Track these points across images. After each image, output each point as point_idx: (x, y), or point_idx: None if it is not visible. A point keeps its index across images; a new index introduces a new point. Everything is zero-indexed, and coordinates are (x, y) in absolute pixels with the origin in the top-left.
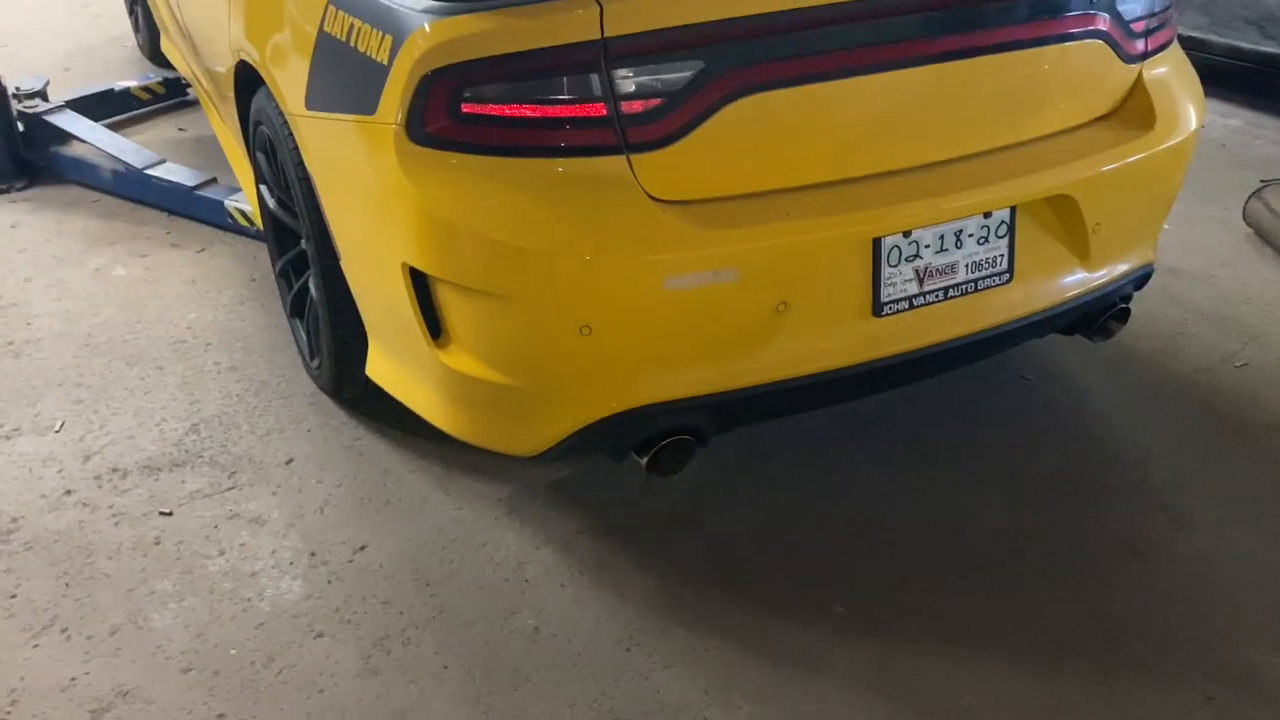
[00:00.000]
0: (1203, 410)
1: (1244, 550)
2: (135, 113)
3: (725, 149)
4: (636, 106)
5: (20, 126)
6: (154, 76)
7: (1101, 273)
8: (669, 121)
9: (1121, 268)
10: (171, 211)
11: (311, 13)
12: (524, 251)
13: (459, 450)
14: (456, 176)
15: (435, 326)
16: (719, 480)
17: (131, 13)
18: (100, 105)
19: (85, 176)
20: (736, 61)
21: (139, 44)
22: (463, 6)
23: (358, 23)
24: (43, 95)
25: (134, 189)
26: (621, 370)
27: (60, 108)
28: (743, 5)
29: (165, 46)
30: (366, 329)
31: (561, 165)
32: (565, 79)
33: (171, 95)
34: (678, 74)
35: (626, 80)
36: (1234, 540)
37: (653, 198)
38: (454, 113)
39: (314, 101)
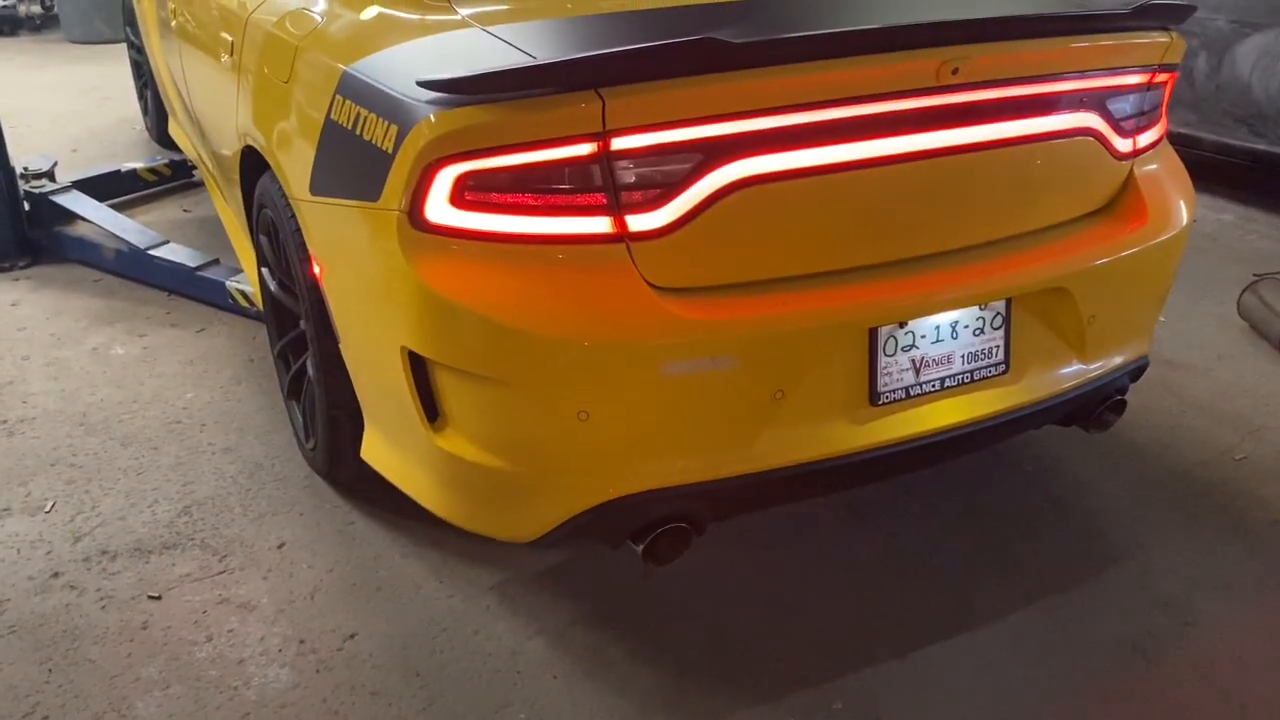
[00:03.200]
0: (1203, 504)
1: (1249, 649)
2: (141, 193)
3: (724, 238)
4: (636, 197)
5: (26, 206)
6: (161, 158)
7: (1097, 364)
8: (668, 211)
9: (1117, 360)
10: (173, 291)
11: (319, 101)
12: (523, 336)
13: (452, 535)
14: (457, 262)
15: (432, 410)
16: (717, 568)
17: (141, 96)
18: (107, 186)
19: (88, 256)
20: (735, 154)
21: (147, 126)
22: (467, 99)
23: (364, 112)
24: (50, 176)
25: (136, 269)
26: (618, 456)
27: (67, 188)
28: (742, 101)
29: (173, 129)
30: (363, 411)
31: (561, 253)
32: (566, 170)
33: (177, 177)
34: (677, 166)
35: (627, 171)
36: (1239, 639)
37: (652, 285)
38: (456, 200)
39: (318, 187)
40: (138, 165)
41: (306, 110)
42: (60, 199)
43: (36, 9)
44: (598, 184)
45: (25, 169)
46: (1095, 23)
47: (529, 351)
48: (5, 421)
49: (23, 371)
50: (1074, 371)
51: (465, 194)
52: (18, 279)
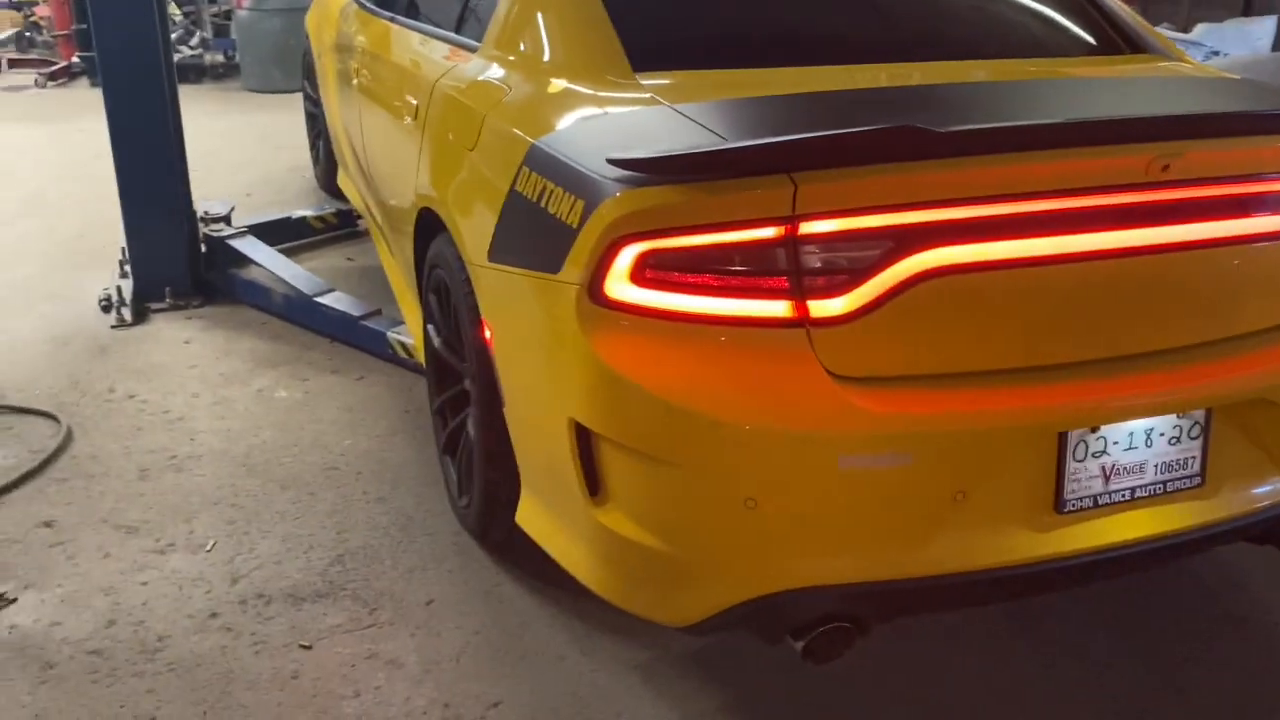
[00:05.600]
0: None
1: None
2: (308, 240)
3: (909, 329)
4: (820, 282)
5: (204, 248)
6: (328, 207)
7: None
8: (853, 298)
9: None
10: (335, 338)
11: (504, 171)
12: (694, 417)
13: (599, 606)
14: (633, 339)
15: (594, 484)
16: (869, 668)
17: (313, 146)
18: (278, 231)
19: (257, 299)
20: (928, 243)
21: (316, 175)
22: (656, 179)
23: (550, 185)
24: (227, 220)
25: (303, 315)
26: (785, 548)
27: (242, 232)
28: (940, 190)
29: (342, 180)
30: (521, 476)
31: (740, 335)
32: (751, 252)
33: (343, 226)
34: (866, 252)
35: (813, 255)
36: None
37: (831, 373)
38: (637, 278)
39: (497, 254)
40: (307, 213)
41: (490, 179)
42: (236, 243)
43: (219, 59)
44: (782, 267)
45: (205, 213)
46: None
47: (699, 433)
48: (175, 457)
49: (192, 409)
50: (1274, 488)
51: (647, 271)
52: (191, 317)
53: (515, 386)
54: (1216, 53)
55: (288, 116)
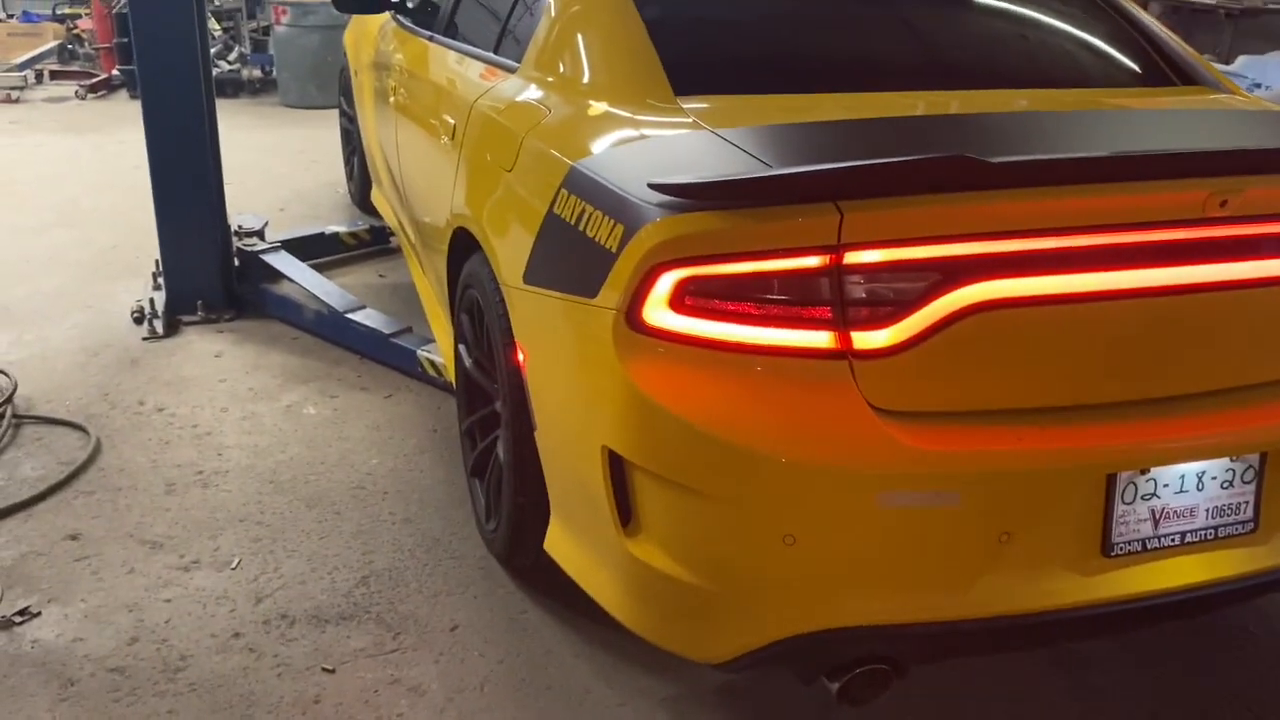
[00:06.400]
0: None
1: None
2: (340, 255)
3: (955, 363)
4: (865, 313)
5: (237, 262)
6: (361, 223)
7: None
8: (898, 331)
9: None
10: (365, 355)
11: (543, 193)
12: (732, 449)
13: (627, 638)
14: (670, 366)
15: (627, 513)
16: (900, 706)
17: (348, 162)
18: (311, 247)
19: (288, 314)
20: (977, 276)
21: (350, 191)
22: (698, 204)
23: (590, 208)
24: (260, 235)
25: (333, 331)
26: (823, 586)
27: (276, 247)
28: (991, 222)
29: (375, 197)
30: (550, 502)
31: (780, 365)
32: (794, 281)
33: (375, 242)
34: (913, 284)
35: (858, 286)
36: None
37: (874, 407)
38: (676, 304)
39: (533, 277)
40: (340, 229)
41: (528, 200)
42: (269, 258)
43: (257, 74)
44: (825, 297)
45: (239, 227)
46: None
47: (736, 465)
48: (202, 472)
49: (220, 423)
50: None
51: (686, 298)
52: (222, 330)
53: (548, 411)
54: (1259, 85)
55: (324, 132)
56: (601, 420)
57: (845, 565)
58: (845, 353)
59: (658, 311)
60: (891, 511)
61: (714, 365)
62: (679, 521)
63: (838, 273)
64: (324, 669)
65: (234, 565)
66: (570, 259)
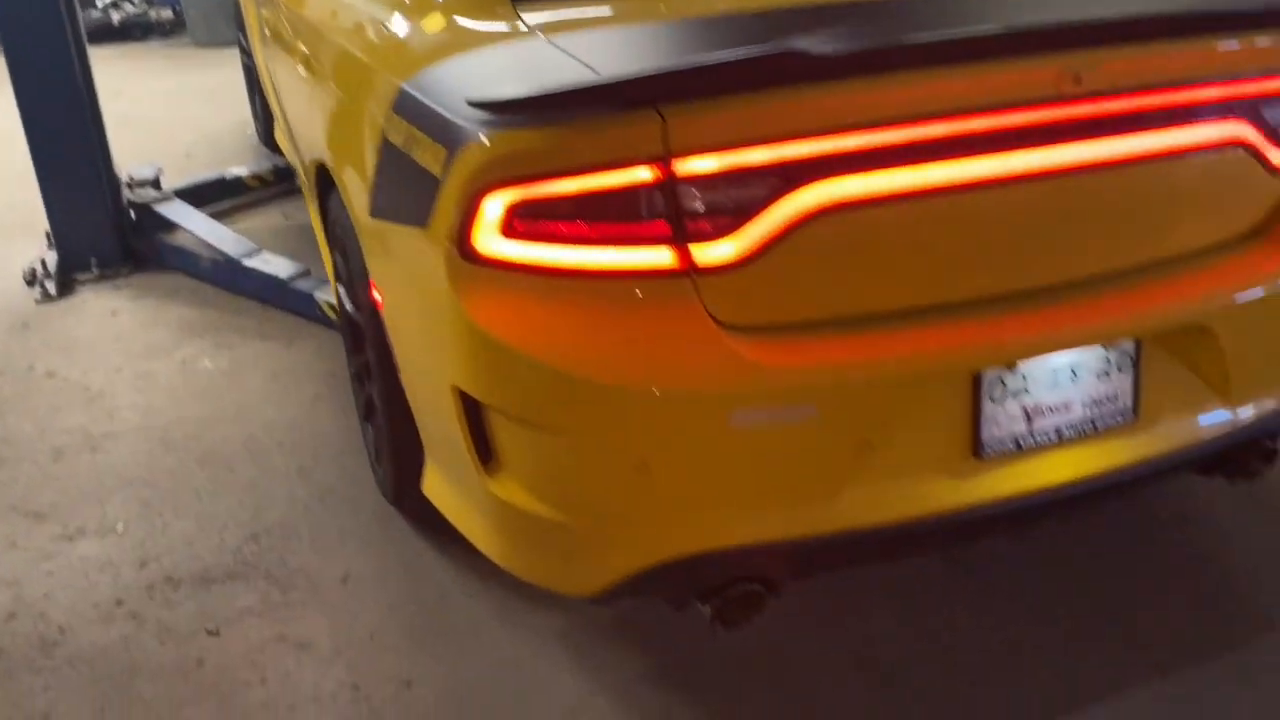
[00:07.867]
0: None
1: None
2: (244, 200)
3: (804, 271)
4: (703, 226)
5: (132, 215)
6: (265, 165)
7: (1245, 410)
8: (740, 242)
9: (1270, 404)
10: (266, 302)
11: (376, 119)
12: (575, 381)
13: None
14: (507, 298)
15: (485, 452)
16: (799, 626)
17: (252, 100)
18: (212, 193)
19: (187, 265)
20: (818, 176)
21: (256, 130)
22: (519, 120)
23: (415, 131)
24: (155, 184)
25: (231, 279)
26: (683, 512)
27: (169, 196)
28: (828, 117)
29: (278, 134)
30: (424, 445)
31: (619, 288)
32: (625, 197)
33: (281, 183)
34: (751, 191)
35: (692, 197)
36: None
37: (720, 324)
38: (507, 230)
39: (376, 209)
40: (242, 172)
41: (365, 129)
42: (161, 208)
43: (166, 14)
44: (659, 212)
45: (130, 177)
46: (1249, 20)
47: (581, 398)
48: (91, 436)
49: (113, 384)
50: (1216, 418)
51: (516, 223)
52: (120, 287)
53: (405, 352)
54: None
55: (234, 72)
56: (449, 360)
57: (703, 488)
58: (686, 270)
59: (488, 238)
60: (746, 430)
61: (552, 293)
62: (534, 458)
63: (670, 184)
64: (208, 631)
65: (120, 530)
66: (403, 188)
